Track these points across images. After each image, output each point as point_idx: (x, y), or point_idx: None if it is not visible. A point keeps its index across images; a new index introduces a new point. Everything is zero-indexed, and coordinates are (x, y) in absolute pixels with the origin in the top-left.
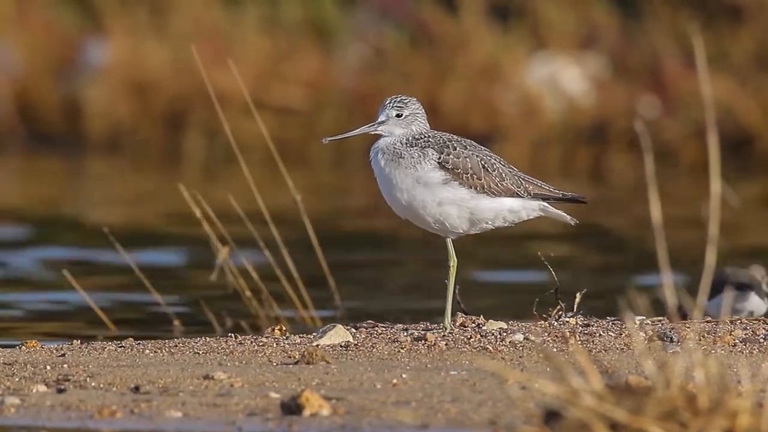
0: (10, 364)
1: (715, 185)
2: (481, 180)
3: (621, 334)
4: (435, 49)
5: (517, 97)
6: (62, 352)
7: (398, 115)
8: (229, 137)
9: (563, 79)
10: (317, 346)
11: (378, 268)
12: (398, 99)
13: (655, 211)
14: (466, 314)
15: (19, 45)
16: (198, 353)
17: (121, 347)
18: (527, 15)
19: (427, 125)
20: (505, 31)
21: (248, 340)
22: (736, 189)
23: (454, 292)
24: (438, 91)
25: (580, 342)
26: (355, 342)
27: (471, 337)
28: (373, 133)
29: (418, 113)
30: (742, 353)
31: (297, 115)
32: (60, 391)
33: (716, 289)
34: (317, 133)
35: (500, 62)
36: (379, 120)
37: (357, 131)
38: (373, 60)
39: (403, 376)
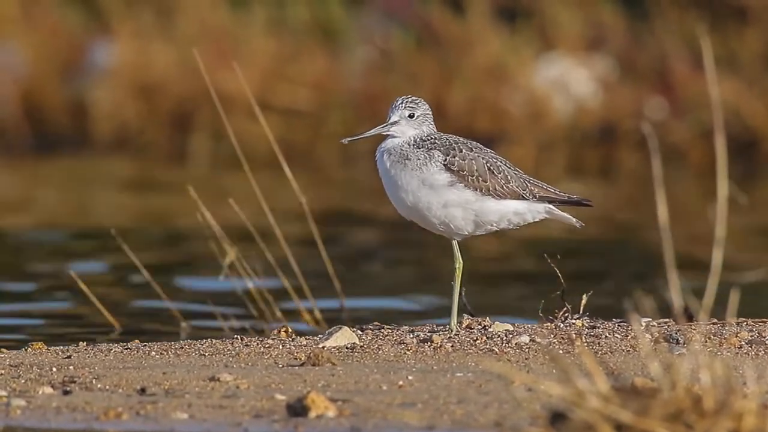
0: (16, 366)
1: (722, 187)
2: (486, 182)
3: (627, 336)
4: (441, 50)
5: (524, 99)
6: (68, 353)
7: (411, 116)
8: (233, 140)
9: (570, 80)
10: (323, 347)
11: (384, 269)
12: (410, 99)
13: (662, 213)
14: (472, 316)
15: (25, 46)
16: (204, 355)
17: (127, 349)
18: (534, 16)
19: (434, 127)
20: (511, 33)
21: (254, 342)
22: (744, 190)
23: (460, 293)
24: (444, 93)
25: (585, 344)
26: (361, 344)
27: (477, 339)
28: (385, 133)
29: (428, 114)
30: (748, 355)
31: (303, 117)
32: (66, 392)
33: None
34: (324, 135)
35: (507, 64)
36: (392, 120)
37: (371, 132)
38: (380, 61)
39: (409, 377)
